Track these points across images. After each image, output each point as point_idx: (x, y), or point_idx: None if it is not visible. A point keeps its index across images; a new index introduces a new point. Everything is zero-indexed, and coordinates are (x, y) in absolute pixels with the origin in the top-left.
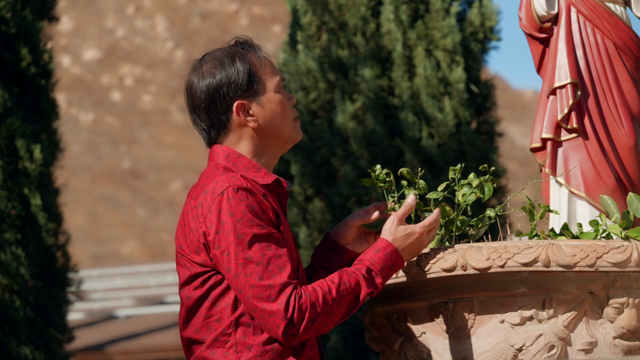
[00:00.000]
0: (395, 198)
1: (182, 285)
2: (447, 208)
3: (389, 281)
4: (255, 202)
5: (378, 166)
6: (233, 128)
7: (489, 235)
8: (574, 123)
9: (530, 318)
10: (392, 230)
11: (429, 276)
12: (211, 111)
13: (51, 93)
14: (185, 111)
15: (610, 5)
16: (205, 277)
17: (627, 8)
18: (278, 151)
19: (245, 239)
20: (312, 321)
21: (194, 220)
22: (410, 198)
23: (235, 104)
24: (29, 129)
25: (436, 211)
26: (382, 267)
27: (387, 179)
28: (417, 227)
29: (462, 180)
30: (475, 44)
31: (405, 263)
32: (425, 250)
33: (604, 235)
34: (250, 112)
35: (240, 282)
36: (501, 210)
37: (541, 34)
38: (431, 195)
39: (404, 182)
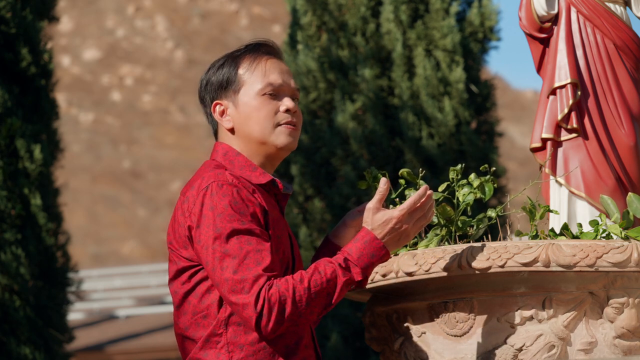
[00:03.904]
0: (394, 198)
1: (170, 280)
2: (448, 208)
3: (389, 281)
4: (240, 198)
5: (374, 168)
6: (219, 126)
7: (489, 235)
8: (574, 123)
9: (530, 318)
10: (370, 220)
11: (429, 276)
12: (203, 106)
13: (51, 93)
14: (185, 111)
15: (610, 5)
16: (192, 272)
17: (627, 8)
18: (263, 154)
19: (223, 233)
20: (283, 312)
21: (181, 215)
22: (382, 182)
23: (213, 104)
24: (29, 129)
25: (422, 189)
26: (359, 255)
27: None
28: (395, 212)
29: (461, 181)
30: (475, 43)
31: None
32: (426, 250)
33: (604, 235)
34: (227, 112)
35: (216, 276)
36: (502, 211)
37: (541, 34)
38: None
39: (402, 182)
